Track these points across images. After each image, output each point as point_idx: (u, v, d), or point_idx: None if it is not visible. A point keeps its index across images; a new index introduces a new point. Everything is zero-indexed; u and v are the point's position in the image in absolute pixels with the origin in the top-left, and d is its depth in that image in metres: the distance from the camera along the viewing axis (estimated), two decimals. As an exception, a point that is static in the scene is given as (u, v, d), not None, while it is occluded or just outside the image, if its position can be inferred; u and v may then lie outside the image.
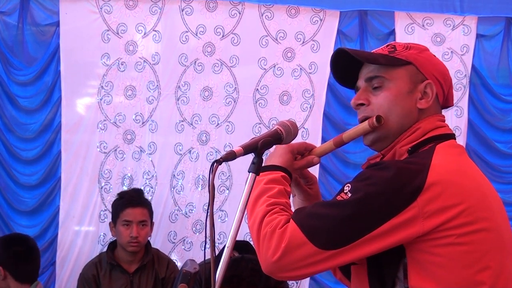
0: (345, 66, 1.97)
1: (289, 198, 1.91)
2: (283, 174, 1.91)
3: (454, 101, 4.62)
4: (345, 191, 1.77)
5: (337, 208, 1.75)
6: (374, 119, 1.87)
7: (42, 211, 4.72)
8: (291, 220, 1.77)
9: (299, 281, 4.75)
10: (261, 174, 1.89)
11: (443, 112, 1.99)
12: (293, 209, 1.89)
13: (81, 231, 4.72)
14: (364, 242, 1.73)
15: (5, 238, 4.06)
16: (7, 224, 4.65)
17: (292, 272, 1.78)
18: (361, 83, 1.96)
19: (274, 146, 1.97)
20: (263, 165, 1.90)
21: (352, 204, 1.73)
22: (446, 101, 1.98)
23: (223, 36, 4.77)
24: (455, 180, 1.76)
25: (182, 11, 4.74)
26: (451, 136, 1.92)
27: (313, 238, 1.74)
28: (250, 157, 1.90)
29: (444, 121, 1.95)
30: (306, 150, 2.00)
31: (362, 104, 1.93)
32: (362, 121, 1.94)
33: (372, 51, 1.99)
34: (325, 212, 1.76)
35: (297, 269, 1.77)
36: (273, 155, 1.97)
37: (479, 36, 4.86)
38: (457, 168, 1.80)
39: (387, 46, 1.97)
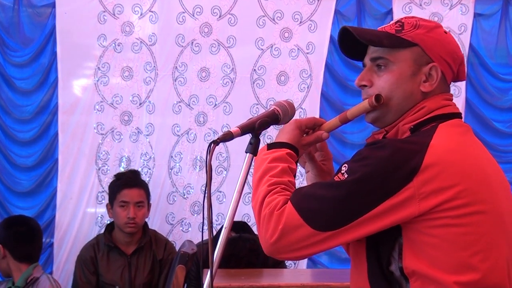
0: (353, 40, 1.93)
1: (294, 175, 1.90)
2: (288, 151, 1.90)
3: (452, 81, 4.69)
4: (342, 172, 1.76)
5: (334, 189, 1.75)
6: (373, 98, 1.86)
7: (40, 192, 4.72)
8: (288, 201, 1.77)
9: (297, 261, 4.76)
10: (267, 152, 1.90)
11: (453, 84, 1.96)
12: (305, 184, 1.89)
13: (79, 213, 4.71)
14: (360, 223, 1.73)
15: (8, 219, 4.16)
16: (4, 206, 4.65)
17: (291, 253, 1.79)
18: (367, 61, 1.94)
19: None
20: (272, 141, 1.91)
21: (348, 185, 1.73)
22: (457, 77, 1.95)
23: (220, 16, 4.75)
24: (454, 160, 1.75)
25: (179, -9, 4.72)
26: (457, 115, 1.90)
27: (309, 220, 1.74)
28: (248, 138, 1.89)
29: (451, 99, 1.92)
30: (315, 125, 1.99)
31: (365, 86, 1.92)
32: None
33: (379, 29, 1.95)
34: (322, 193, 1.76)
35: (295, 250, 1.77)
36: (282, 131, 1.96)
37: (476, 15, 4.84)
38: (457, 148, 1.78)
39: (395, 23, 1.92)
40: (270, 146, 1.92)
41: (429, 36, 1.89)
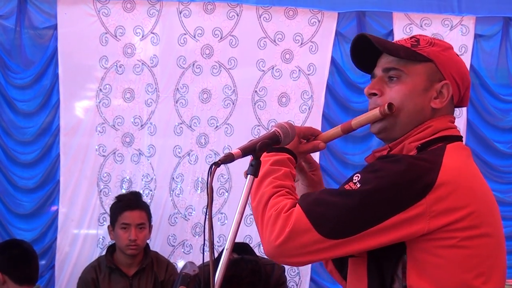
0: (365, 51, 1.93)
1: (295, 181, 1.90)
2: (289, 156, 1.90)
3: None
4: (354, 181, 1.75)
5: (346, 197, 1.73)
6: (386, 106, 1.85)
7: (41, 214, 4.71)
8: (297, 205, 1.75)
9: (300, 281, 4.75)
10: (266, 154, 1.89)
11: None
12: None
13: (80, 235, 4.71)
14: (369, 234, 1.71)
15: (0, 244, 4.06)
16: (5, 228, 4.64)
17: (294, 258, 1.76)
18: (378, 71, 1.93)
19: None
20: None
21: (361, 195, 1.71)
22: (461, 102, 1.95)
23: (221, 38, 4.77)
24: (465, 182, 1.75)
25: (180, 13, 4.74)
26: (459, 139, 1.91)
27: (318, 226, 1.72)
28: (250, 159, 1.89)
29: (454, 122, 1.93)
30: (312, 135, 2.00)
31: (374, 94, 1.91)
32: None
33: (394, 41, 1.96)
34: (333, 200, 1.74)
35: (299, 255, 1.75)
36: None
37: (477, 36, 4.86)
38: (466, 169, 1.79)
39: (410, 38, 1.93)
40: (270, 150, 1.91)
41: (444, 54, 1.90)
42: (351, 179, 1.77)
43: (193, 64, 4.76)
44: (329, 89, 4.81)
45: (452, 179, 1.72)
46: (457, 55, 1.96)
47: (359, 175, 1.76)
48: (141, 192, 4.58)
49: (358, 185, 1.73)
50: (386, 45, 1.91)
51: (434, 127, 1.86)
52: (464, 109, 4.79)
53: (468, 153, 1.88)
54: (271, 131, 1.93)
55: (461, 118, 4.76)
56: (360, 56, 1.98)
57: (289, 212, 1.74)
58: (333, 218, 1.72)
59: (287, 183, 1.84)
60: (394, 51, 1.89)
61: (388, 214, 1.70)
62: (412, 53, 1.88)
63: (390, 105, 1.86)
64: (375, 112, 1.88)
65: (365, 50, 1.93)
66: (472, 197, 1.74)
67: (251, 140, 1.91)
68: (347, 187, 1.75)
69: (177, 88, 4.75)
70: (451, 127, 1.90)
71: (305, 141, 1.99)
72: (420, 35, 1.96)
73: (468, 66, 4.76)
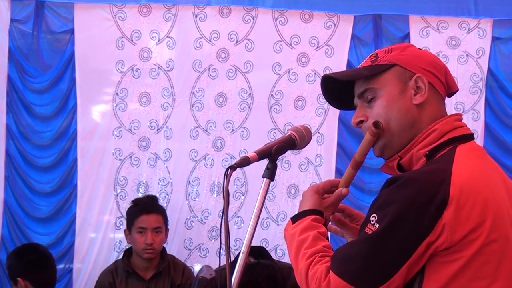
0: (339, 91, 1.96)
1: (327, 238, 1.88)
2: (313, 216, 1.89)
3: (470, 105, 4.67)
4: (372, 222, 1.73)
5: (370, 244, 1.71)
6: (372, 126, 1.86)
7: (59, 218, 4.73)
8: (330, 271, 1.75)
9: None
10: (293, 226, 1.89)
11: (456, 98, 1.96)
12: None
13: (97, 239, 4.72)
14: (405, 271, 1.70)
15: (16, 251, 4.08)
16: (23, 232, 4.66)
17: None
18: (356, 101, 1.95)
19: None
20: (293, 215, 1.91)
21: (383, 236, 1.70)
22: (449, 88, 1.94)
23: (237, 42, 4.77)
24: (476, 188, 1.72)
25: (196, 17, 4.75)
26: (470, 137, 1.88)
27: (355, 282, 1.70)
28: (266, 163, 1.89)
29: (461, 120, 1.91)
30: (332, 186, 1.98)
31: (361, 122, 1.92)
32: None
33: (357, 67, 1.98)
34: (359, 252, 1.72)
35: None
36: (301, 202, 1.96)
37: (494, 39, 4.82)
38: (477, 174, 1.77)
39: (369, 56, 1.96)
40: (294, 219, 1.91)
41: (404, 54, 1.91)
42: (368, 220, 1.74)
43: (209, 68, 4.76)
44: (346, 93, 4.78)
45: (464, 188, 1.70)
46: (419, 49, 1.96)
47: (375, 215, 1.73)
48: (157, 196, 4.59)
49: (377, 226, 1.71)
50: (348, 73, 1.95)
51: (439, 131, 1.84)
52: (482, 111, 4.76)
53: (480, 154, 1.86)
54: (287, 134, 1.94)
55: (479, 121, 4.73)
56: (337, 99, 2.01)
57: (326, 280, 1.74)
58: (365, 269, 1.71)
59: (318, 247, 1.83)
60: (358, 75, 1.92)
61: (415, 244, 1.69)
62: (374, 68, 1.90)
63: (375, 123, 1.86)
64: (367, 137, 1.89)
65: (338, 91, 1.96)
66: (485, 203, 1.72)
67: (267, 144, 1.91)
68: (367, 230, 1.73)
69: (193, 92, 4.76)
70: (458, 126, 1.88)
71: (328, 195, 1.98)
72: (378, 50, 1.98)
73: (485, 69, 4.76)
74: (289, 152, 2.00)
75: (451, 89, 1.95)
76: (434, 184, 1.70)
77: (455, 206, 1.68)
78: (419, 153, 1.83)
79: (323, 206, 1.93)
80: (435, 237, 1.68)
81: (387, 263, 1.70)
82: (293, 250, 1.86)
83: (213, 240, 4.75)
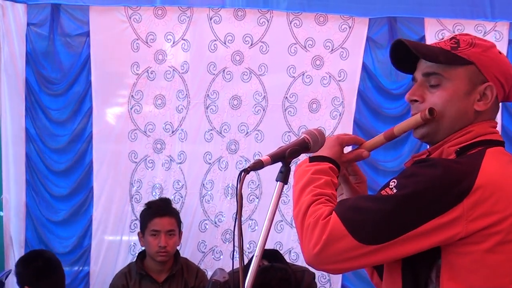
0: (405, 53, 1.90)
1: (336, 189, 1.88)
2: (330, 165, 1.88)
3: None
4: (390, 187, 1.73)
5: (382, 202, 1.71)
6: (427, 111, 1.83)
7: (76, 221, 4.74)
8: (333, 212, 1.74)
9: (330, 289, 4.73)
10: (309, 164, 1.88)
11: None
12: None
13: (113, 241, 4.73)
14: (405, 240, 1.69)
15: (23, 258, 4.07)
16: (43, 236, 4.67)
17: (332, 265, 1.75)
18: (418, 75, 1.91)
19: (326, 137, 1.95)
20: (313, 155, 1.90)
21: (398, 200, 1.70)
22: (507, 98, 1.92)
23: (251, 44, 4.77)
24: (503, 185, 1.72)
25: (211, 19, 4.75)
26: (501, 143, 1.88)
27: (354, 232, 1.70)
28: (280, 165, 1.88)
29: (495, 127, 1.90)
30: (356, 143, 1.99)
31: (416, 101, 1.89)
32: None
33: (433, 44, 1.92)
34: (368, 206, 1.72)
35: (337, 262, 1.73)
36: (324, 146, 1.94)
37: (511, 42, 4.80)
38: (505, 173, 1.76)
39: (450, 39, 1.89)
40: (312, 159, 1.90)
41: (485, 55, 1.86)
42: (387, 184, 1.75)
43: (224, 71, 4.76)
44: (361, 95, 4.78)
45: (490, 183, 1.70)
46: (500, 52, 1.91)
47: (395, 180, 1.74)
48: (171, 198, 4.59)
49: (395, 191, 1.71)
50: (424, 51, 1.87)
51: (475, 132, 1.84)
52: (499, 114, 4.73)
53: (509, 159, 1.85)
54: (301, 137, 1.93)
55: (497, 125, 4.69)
56: (400, 58, 1.95)
57: (326, 219, 1.73)
58: (369, 224, 1.70)
59: (328, 191, 1.83)
60: (433, 57, 1.86)
61: (424, 219, 1.69)
62: (452, 57, 1.85)
63: (431, 110, 1.84)
64: (417, 117, 1.86)
65: (405, 53, 1.90)
66: (510, 204, 1.71)
67: (280, 147, 1.90)
68: (383, 192, 1.73)
69: (208, 95, 4.76)
70: (492, 132, 1.88)
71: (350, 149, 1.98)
72: (460, 34, 1.91)
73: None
74: (303, 155, 1.99)
75: (509, 99, 1.93)
76: (462, 172, 1.70)
77: (478, 197, 1.68)
78: (450, 149, 1.83)
79: (340, 160, 1.93)
80: (447, 220, 1.67)
81: (389, 227, 1.69)
82: (300, 183, 1.85)
83: (227, 243, 4.75)
